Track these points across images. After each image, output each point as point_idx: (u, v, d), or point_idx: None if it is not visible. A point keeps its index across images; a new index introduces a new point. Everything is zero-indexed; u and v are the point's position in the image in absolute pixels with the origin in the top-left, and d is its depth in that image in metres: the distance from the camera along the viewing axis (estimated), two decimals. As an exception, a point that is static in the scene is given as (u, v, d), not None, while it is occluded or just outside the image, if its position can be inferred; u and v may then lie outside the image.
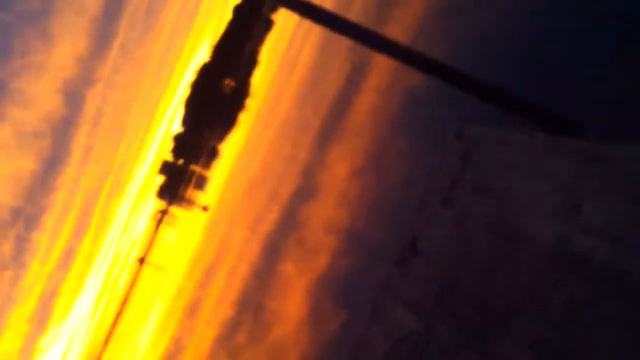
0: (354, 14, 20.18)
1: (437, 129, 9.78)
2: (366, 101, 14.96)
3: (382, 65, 14.75)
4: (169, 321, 41.56)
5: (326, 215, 13.98)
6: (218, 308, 23.36)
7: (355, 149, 14.06)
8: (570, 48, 7.43)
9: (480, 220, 6.98)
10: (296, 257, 15.04)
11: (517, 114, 7.78)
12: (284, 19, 69.90)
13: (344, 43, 21.07)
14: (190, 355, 24.66)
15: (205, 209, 53.01)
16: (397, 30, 14.00)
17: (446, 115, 9.72)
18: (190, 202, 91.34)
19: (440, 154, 8.83)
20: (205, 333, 23.64)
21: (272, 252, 17.99)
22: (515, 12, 8.91)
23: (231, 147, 59.89)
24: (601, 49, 6.87)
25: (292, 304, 13.91)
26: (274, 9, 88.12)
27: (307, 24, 36.09)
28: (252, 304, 17.74)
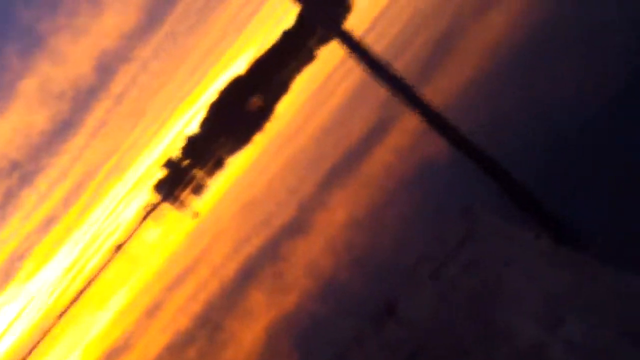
0: (399, 64, 20.14)
1: (444, 201, 9.55)
2: (383, 156, 14.78)
3: (409, 124, 14.62)
4: (126, 315, 41.00)
5: (311, 256, 13.71)
6: (177, 317, 22.94)
7: (360, 199, 13.82)
8: (604, 165, 7.21)
9: (465, 302, 6.79)
10: (269, 288, 14.69)
11: (528, 210, 7.58)
12: (326, 55, 70.45)
13: (379, 93, 21.06)
14: (136, 356, 24.12)
15: (195, 215, 52.74)
16: (436, 92, 13.90)
17: (457, 190, 9.51)
18: (183, 204, 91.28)
19: (441, 226, 8.63)
20: (158, 338, 23.14)
21: (247, 276, 17.65)
22: (558, 111, 8.74)
23: (239, 163, 59.77)
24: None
25: (250, 333, 13.55)
26: (320, 42, 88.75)
27: (348, 66, 36.22)
28: (212, 322, 17.34)
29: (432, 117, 7.18)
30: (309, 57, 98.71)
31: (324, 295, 11.51)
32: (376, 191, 13.22)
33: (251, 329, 13.67)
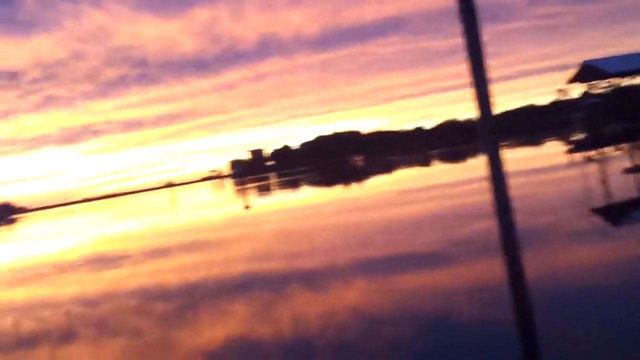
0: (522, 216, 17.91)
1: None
2: (436, 277, 12.87)
3: (486, 269, 12.68)
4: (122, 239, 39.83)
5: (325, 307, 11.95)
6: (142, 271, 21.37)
7: (376, 299, 11.98)
8: None
9: None
10: (253, 308, 12.92)
11: None
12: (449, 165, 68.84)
13: (480, 224, 19.23)
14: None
15: (247, 207, 52.06)
16: (539, 263, 11.90)
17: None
18: (244, 191, 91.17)
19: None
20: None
21: (236, 287, 15.90)
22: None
23: (310, 195, 58.75)
24: None
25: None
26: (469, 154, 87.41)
27: (472, 187, 34.45)
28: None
29: (514, 278, 5.57)
30: (425, 161, 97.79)
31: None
32: (396, 302, 11.36)
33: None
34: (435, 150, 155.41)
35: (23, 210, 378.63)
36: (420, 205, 29.08)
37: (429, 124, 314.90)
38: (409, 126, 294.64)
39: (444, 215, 24.04)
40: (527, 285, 5.07)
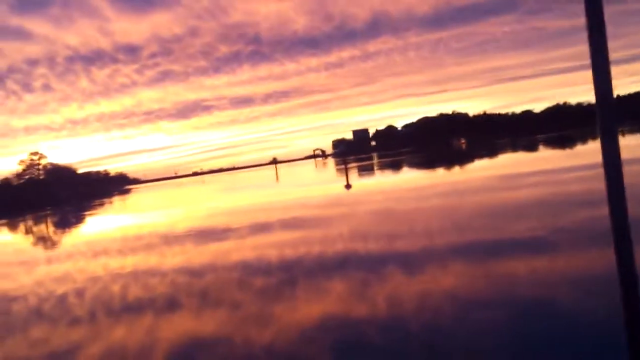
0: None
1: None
2: (539, 266, 12.20)
3: (601, 259, 11.85)
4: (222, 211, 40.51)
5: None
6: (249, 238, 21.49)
7: (462, 281, 11.49)
8: None
9: None
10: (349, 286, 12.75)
11: None
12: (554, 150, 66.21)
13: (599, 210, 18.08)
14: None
15: (348, 186, 52.19)
16: None
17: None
18: (346, 169, 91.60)
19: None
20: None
21: (328, 267, 15.70)
22: None
23: (416, 175, 58.02)
24: None
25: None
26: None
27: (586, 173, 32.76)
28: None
29: (624, 268, 5.04)
30: (532, 146, 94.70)
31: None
32: (501, 284, 10.83)
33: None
34: (544, 135, 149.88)
35: (136, 181, 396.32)
36: (523, 192, 28.00)
37: (538, 107, 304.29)
38: (518, 109, 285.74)
39: (546, 203, 22.97)
40: (637, 277, 4.68)
